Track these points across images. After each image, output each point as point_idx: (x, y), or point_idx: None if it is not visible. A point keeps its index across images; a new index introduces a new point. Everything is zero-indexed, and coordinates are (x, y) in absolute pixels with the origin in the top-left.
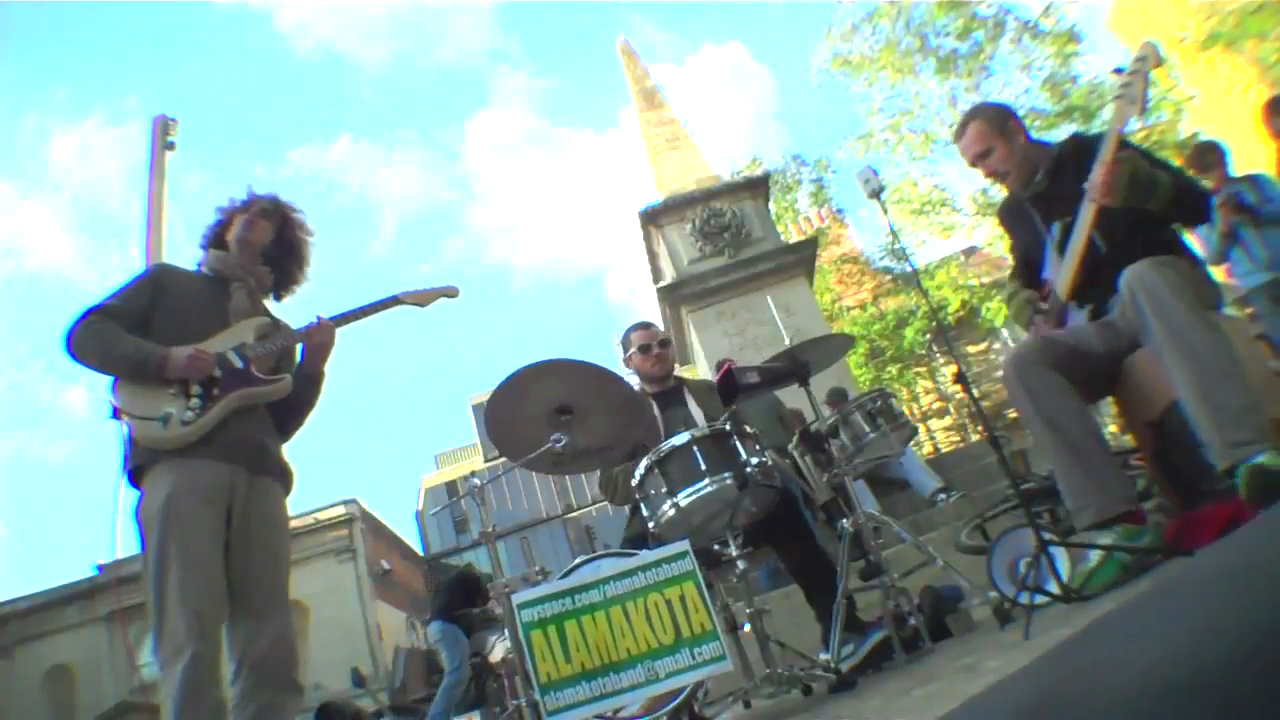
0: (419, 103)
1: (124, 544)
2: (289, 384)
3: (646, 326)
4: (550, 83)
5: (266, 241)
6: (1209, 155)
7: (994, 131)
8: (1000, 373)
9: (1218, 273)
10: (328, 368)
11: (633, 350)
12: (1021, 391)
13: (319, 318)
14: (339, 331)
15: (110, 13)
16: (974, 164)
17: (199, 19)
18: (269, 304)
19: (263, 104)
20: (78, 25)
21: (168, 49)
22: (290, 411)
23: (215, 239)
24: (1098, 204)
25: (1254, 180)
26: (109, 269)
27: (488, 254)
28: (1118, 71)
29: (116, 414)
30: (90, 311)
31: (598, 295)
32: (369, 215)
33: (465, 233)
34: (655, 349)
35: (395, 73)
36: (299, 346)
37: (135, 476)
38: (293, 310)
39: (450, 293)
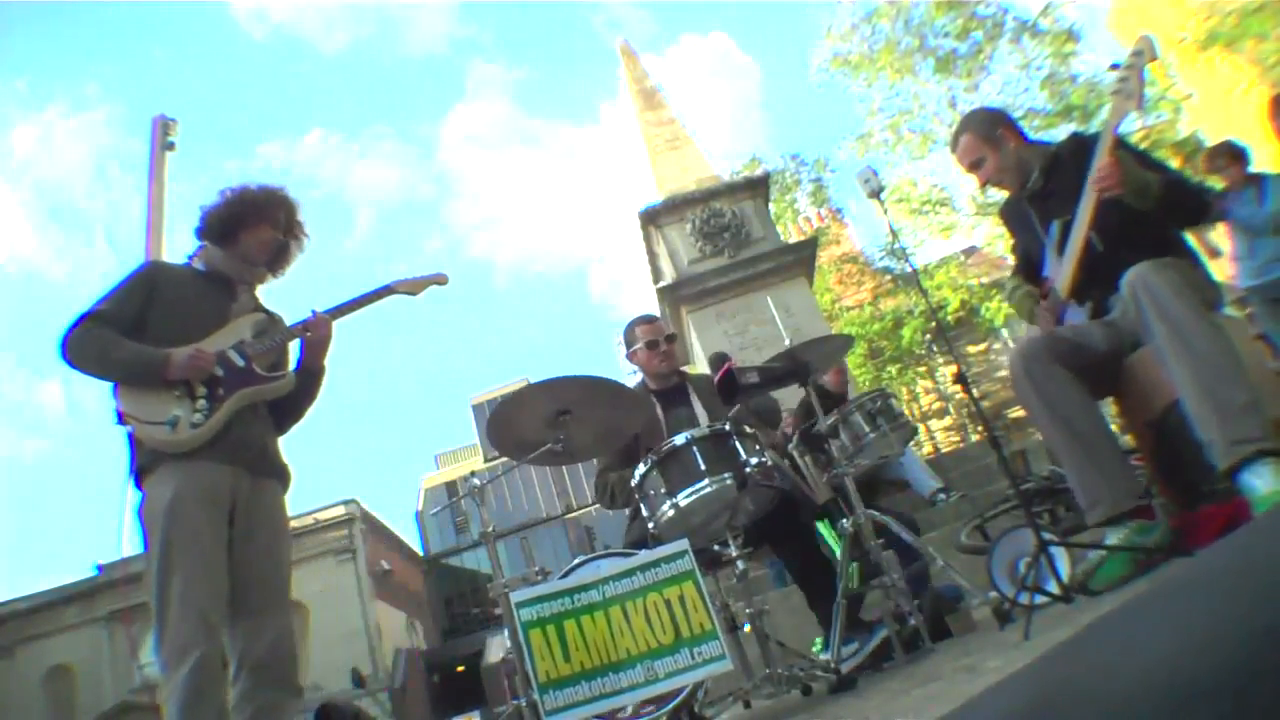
0: (392, 96)
1: (125, 544)
2: (291, 381)
3: (651, 321)
4: (526, 74)
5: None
6: (1221, 158)
7: (982, 141)
8: (1001, 373)
9: (1219, 272)
10: (327, 362)
11: (638, 346)
12: (1028, 386)
13: (314, 311)
14: (335, 324)
15: (67, 2)
16: (968, 173)
17: (157, 4)
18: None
19: (227, 93)
20: (35, 15)
21: (127, 35)
22: (290, 408)
23: (225, 232)
24: (1100, 194)
25: (1261, 184)
26: (78, 260)
27: (468, 251)
28: (1114, 67)
29: (122, 419)
30: (84, 318)
31: (581, 290)
32: (343, 212)
33: (445, 229)
34: (663, 345)
35: (357, 60)
36: (297, 342)
37: (139, 477)
38: (283, 308)
39: (440, 280)
